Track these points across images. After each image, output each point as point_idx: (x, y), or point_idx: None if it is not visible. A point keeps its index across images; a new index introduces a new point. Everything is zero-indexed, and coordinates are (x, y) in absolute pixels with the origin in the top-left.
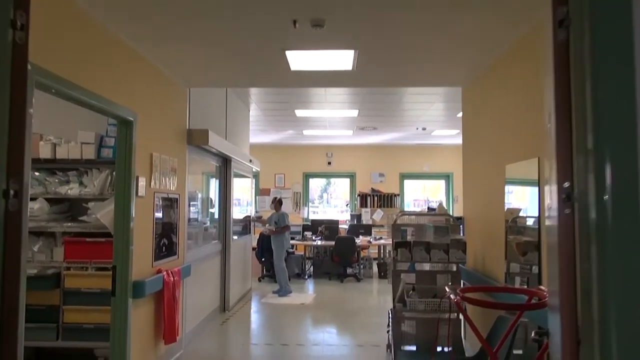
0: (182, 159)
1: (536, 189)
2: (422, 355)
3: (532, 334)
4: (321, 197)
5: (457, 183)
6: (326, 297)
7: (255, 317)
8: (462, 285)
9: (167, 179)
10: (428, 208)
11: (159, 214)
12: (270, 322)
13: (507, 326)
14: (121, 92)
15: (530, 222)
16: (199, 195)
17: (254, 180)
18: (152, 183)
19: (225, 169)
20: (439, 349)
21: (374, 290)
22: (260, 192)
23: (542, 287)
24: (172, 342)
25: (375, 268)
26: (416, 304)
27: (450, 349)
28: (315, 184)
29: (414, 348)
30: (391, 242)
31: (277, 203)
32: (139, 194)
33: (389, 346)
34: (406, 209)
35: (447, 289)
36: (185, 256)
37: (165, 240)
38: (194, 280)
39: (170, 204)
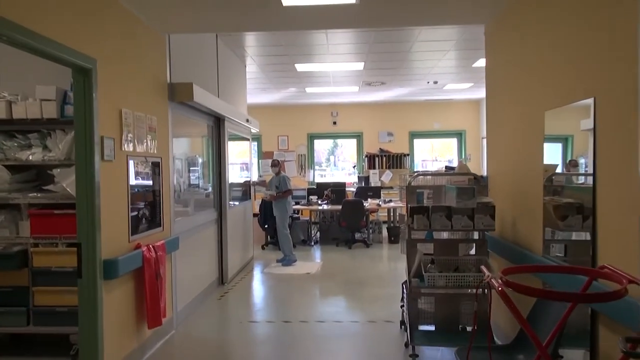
0: (163, 117)
1: (587, 136)
2: (442, 335)
3: (620, 343)
4: (328, 160)
5: (470, 141)
6: (333, 266)
7: (256, 290)
8: (488, 257)
9: (145, 140)
10: (446, 167)
11: (137, 181)
12: (272, 296)
13: (550, 310)
14: (77, 35)
15: (576, 179)
16: (200, 160)
17: (255, 142)
18: (124, 145)
19: (217, 130)
20: (462, 328)
21: (385, 257)
22: (263, 155)
23: (607, 266)
24: (157, 326)
25: (385, 232)
26: (436, 279)
27: (474, 328)
28: (322, 147)
29: (432, 328)
30: (405, 207)
31: (279, 166)
32: (106, 157)
33: (403, 323)
34: (415, 170)
35: (484, 270)
36: (172, 228)
37: (146, 210)
38: (186, 253)
39: (151, 169)
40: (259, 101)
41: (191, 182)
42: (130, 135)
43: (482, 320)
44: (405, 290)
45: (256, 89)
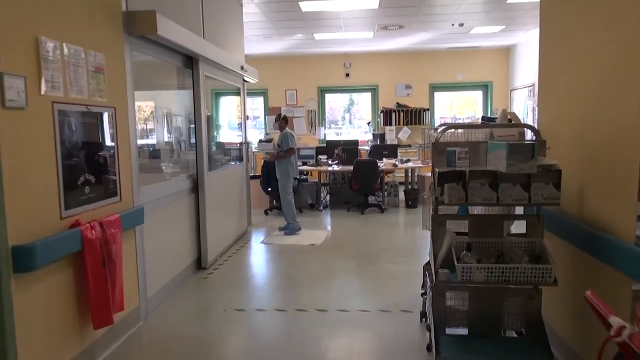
0: (116, 55)
1: None
2: (478, 343)
3: None
4: (343, 118)
5: (497, 94)
6: (342, 235)
7: (248, 268)
8: (543, 239)
9: (85, 83)
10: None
11: (72, 137)
12: (267, 275)
13: None
14: None
15: None
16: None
17: (261, 97)
18: (45, 87)
19: (192, 74)
20: (504, 333)
21: (401, 224)
22: (269, 111)
23: None
24: (107, 325)
25: (401, 195)
26: (474, 272)
27: (523, 331)
28: (338, 104)
29: (465, 331)
30: (430, 171)
31: (282, 121)
32: (11, 103)
33: (424, 315)
34: (442, 122)
35: (618, 323)
36: (136, 197)
37: (91, 175)
38: (157, 228)
39: (96, 121)
40: (262, 51)
41: (165, 140)
42: (56, 75)
43: (533, 323)
44: (427, 277)
45: (258, 36)
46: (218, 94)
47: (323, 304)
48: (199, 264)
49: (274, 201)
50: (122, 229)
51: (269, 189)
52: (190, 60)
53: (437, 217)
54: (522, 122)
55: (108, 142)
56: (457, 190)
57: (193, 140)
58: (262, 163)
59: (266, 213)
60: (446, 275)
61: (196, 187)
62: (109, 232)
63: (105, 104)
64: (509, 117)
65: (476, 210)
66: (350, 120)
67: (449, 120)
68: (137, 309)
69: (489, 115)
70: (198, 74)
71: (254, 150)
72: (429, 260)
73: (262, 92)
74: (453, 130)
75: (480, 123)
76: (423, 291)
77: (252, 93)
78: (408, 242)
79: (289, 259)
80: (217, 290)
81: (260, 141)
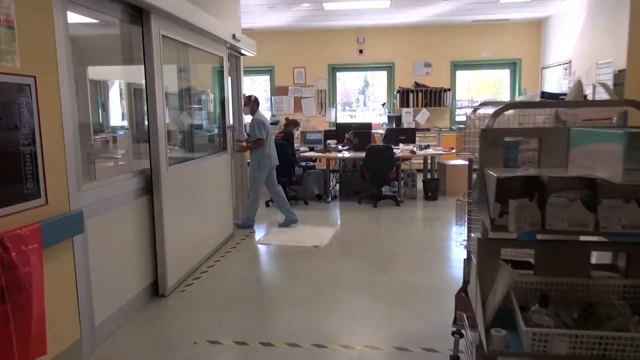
0: (36, 4)
1: None
2: None
3: None
4: (357, 100)
5: (527, 72)
6: (352, 232)
7: (233, 280)
8: None
9: None
10: (543, 95)
11: None
12: (255, 290)
13: None
14: None
15: None
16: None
17: (267, 76)
18: None
19: (142, 31)
20: None
21: (419, 219)
22: (275, 91)
23: None
24: None
25: (420, 185)
26: (553, 341)
27: None
28: (351, 85)
29: None
30: (477, 174)
31: (253, 104)
32: None
33: (455, 359)
34: (479, 102)
35: None
36: (73, 198)
37: None
38: (105, 238)
39: (7, 96)
40: (267, 24)
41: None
42: None
43: None
44: (464, 318)
45: (261, 6)
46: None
47: (322, 336)
48: (156, 287)
49: (284, 187)
50: (47, 242)
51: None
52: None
53: (487, 243)
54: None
55: (21, 124)
56: (529, 211)
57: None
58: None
59: (267, 205)
60: (504, 340)
61: (145, 187)
62: (15, 251)
63: (18, 71)
64: (587, 92)
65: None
66: (365, 102)
67: (465, 103)
68: (79, 343)
69: (517, 95)
70: (150, 32)
71: None
72: (462, 289)
73: (268, 70)
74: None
75: (540, 100)
76: (455, 329)
77: (257, 71)
78: (428, 242)
79: (286, 265)
80: (188, 314)
81: (230, 127)
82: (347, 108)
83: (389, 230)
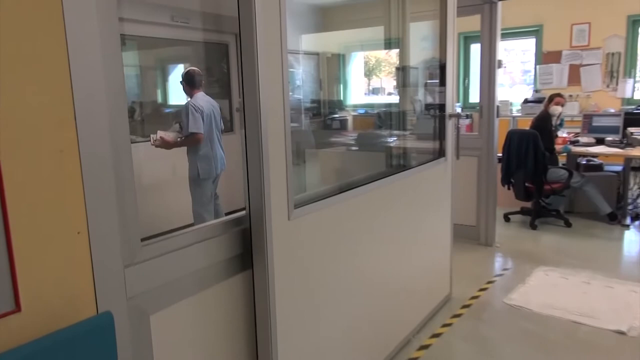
0: None
1: None
2: None
3: None
4: None
5: None
6: None
7: None
8: None
9: None
10: None
11: None
12: None
13: None
14: None
15: None
16: None
17: (532, 38)
18: None
19: None
20: None
21: None
22: (543, 57)
23: None
24: None
25: None
26: None
27: None
28: None
29: None
30: None
31: (195, 80)
32: None
33: None
34: None
35: None
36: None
37: None
38: None
39: None
40: None
41: None
42: None
43: None
44: None
45: None
46: (467, 38)
47: None
48: None
49: (528, 197)
50: None
51: (511, 180)
52: None
53: None
54: None
55: None
56: None
57: None
58: (506, 138)
59: (507, 219)
60: None
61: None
62: None
63: None
64: None
65: None
66: None
67: None
68: None
69: None
70: None
71: (514, 114)
72: None
73: (534, 31)
74: None
75: None
76: None
77: (518, 33)
78: None
79: None
80: None
81: (526, 101)
82: None
83: None
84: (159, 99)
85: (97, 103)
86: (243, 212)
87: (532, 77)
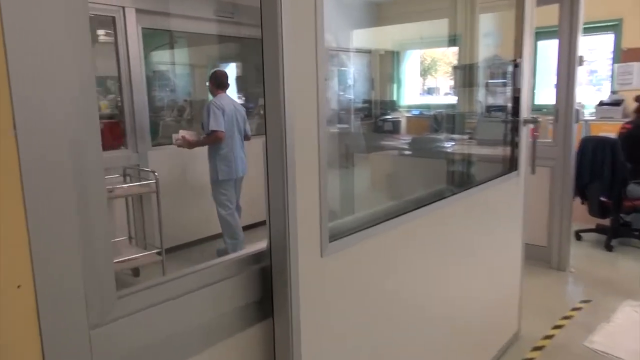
0: None
1: None
2: None
3: None
4: None
5: None
6: None
7: None
8: None
9: None
10: None
11: None
12: None
13: None
14: None
15: None
16: None
17: (612, 33)
18: None
19: None
20: None
21: None
22: (621, 56)
23: None
24: None
25: None
26: None
27: None
28: None
29: None
30: None
31: (217, 80)
32: None
33: None
34: None
35: None
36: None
37: None
38: None
39: None
40: None
41: None
42: None
43: None
44: None
45: None
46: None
47: None
48: None
49: (604, 213)
50: None
51: (584, 191)
52: None
53: None
54: None
55: None
56: None
57: None
58: (581, 141)
59: (578, 237)
60: None
61: None
62: None
63: None
64: None
65: None
66: None
67: None
68: None
69: None
70: None
71: (585, 118)
72: None
73: (612, 25)
74: None
75: None
76: None
77: (593, 28)
78: None
79: None
80: None
81: (601, 104)
82: None
83: None
84: (209, 98)
85: (49, 104)
86: (264, 247)
87: (600, 77)
